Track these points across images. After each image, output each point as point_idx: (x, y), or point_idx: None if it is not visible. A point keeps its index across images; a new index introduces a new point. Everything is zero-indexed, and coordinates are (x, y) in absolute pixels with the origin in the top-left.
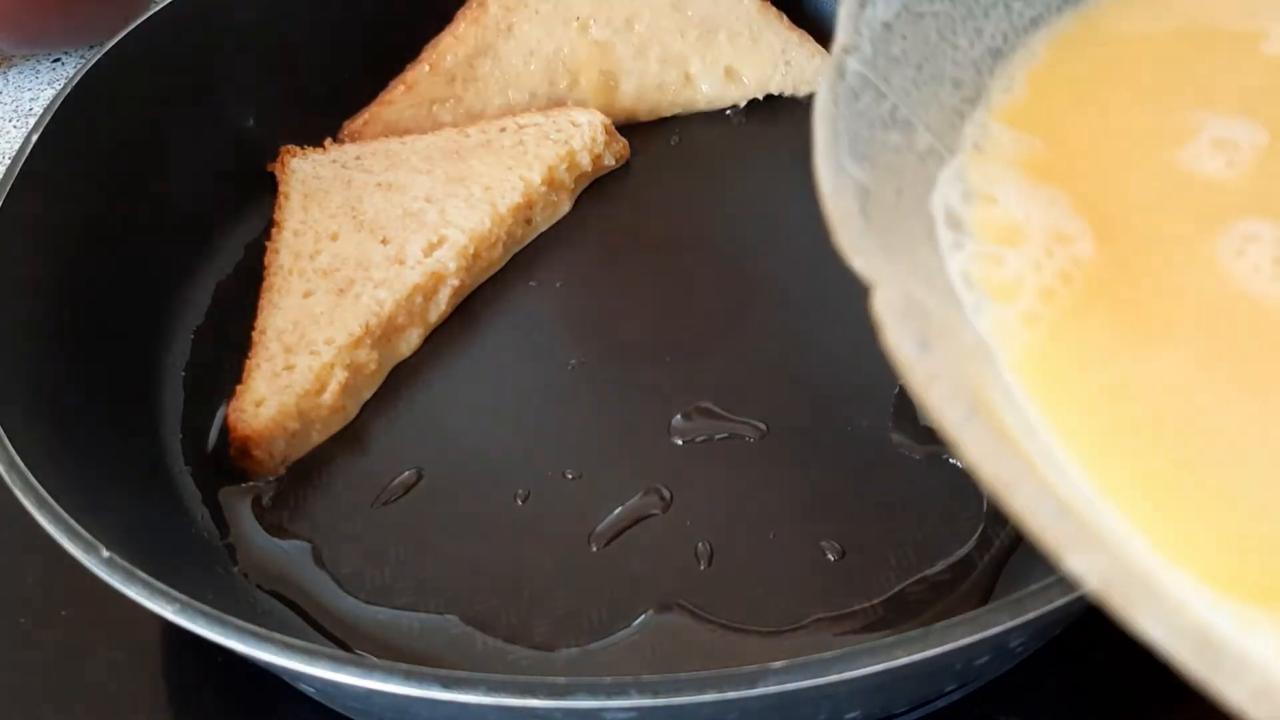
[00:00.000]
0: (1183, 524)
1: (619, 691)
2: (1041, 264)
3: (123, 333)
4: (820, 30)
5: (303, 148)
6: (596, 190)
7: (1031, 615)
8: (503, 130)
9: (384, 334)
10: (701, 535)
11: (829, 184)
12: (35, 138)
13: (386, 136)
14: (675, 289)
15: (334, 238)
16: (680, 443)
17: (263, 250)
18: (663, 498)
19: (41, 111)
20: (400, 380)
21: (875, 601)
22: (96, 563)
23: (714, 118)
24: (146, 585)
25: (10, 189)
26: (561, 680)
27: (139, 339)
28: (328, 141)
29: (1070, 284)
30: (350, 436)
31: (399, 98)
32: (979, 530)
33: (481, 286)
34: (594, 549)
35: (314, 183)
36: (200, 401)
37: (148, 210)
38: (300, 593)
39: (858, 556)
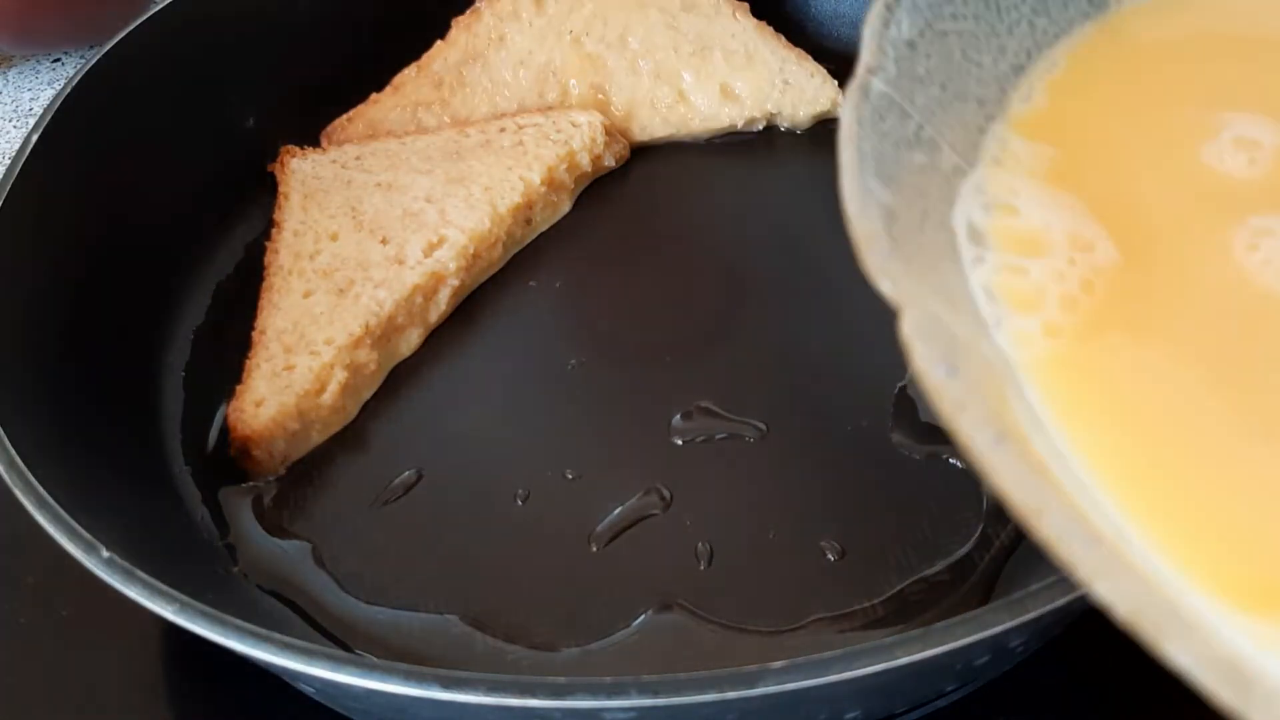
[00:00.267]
0: (1210, 543)
1: (619, 691)
2: (1063, 273)
3: (123, 333)
4: (819, 52)
5: (302, 148)
6: (596, 190)
7: (1031, 615)
8: (503, 130)
9: (384, 334)
10: (701, 535)
11: (855, 206)
12: (35, 138)
13: (368, 137)
14: (675, 289)
15: (334, 238)
16: (680, 443)
17: (263, 250)
18: (663, 498)
19: (41, 111)
20: (400, 380)
21: (875, 601)
22: (96, 563)
23: None
24: (146, 585)
25: (10, 189)
26: (561, 680)
27: (139, 339)
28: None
29: (1092, 292)
30: (350, 436)
31: (384, 98)
32: (979, 530)
33: (481, 286)
34: (594, 549)
35: (314, 183)
36: (200, 401)
37: (147, 210)
38: (300, 593)
39: (858, 556)
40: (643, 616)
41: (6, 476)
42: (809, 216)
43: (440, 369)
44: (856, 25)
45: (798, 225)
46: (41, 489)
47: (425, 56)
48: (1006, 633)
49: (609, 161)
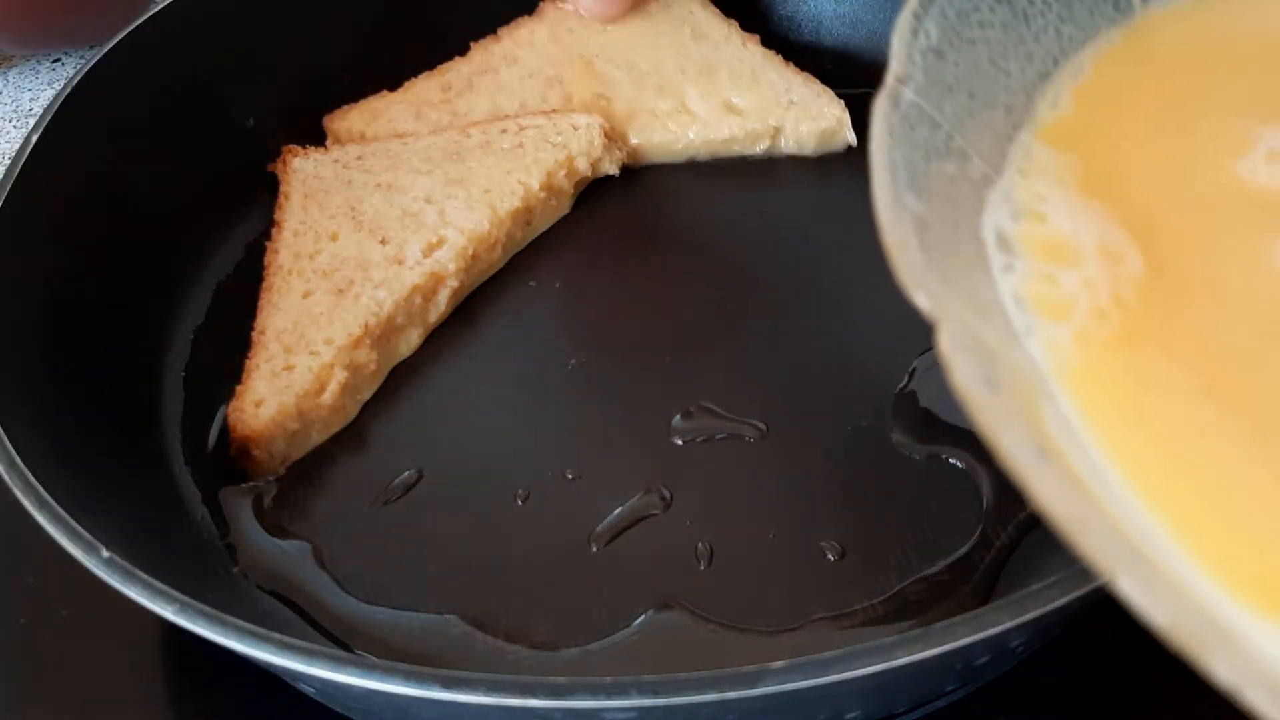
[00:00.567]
0: (1251, 558)
1: (619, 691)
2: (1094, 281)
3: (123, 333)
4: (824, 76)
5: (304, 147)
6: (596, 191)
7: (1031, 615)
8: (503, 131)
9: (383, 334)
10: (701, 535)
11: (889, 217)
12: (35, 138)
13: (369, 124)
14: (675, 289)
15: (334, 238)
16: (680, 443)
17: (263, 250)
18: (663, 498)
19: (41, 111)
20: (400, 380)
21: (875, 601)
22: (96, 563)
23: None
24: (146, 585)
25: (10, 189)
26: (561, 680)
27: (139, 339)
28: (329, 141)
29: (1123, 301)
30: (350, 436)
31: (391, 94)
32: (979, 530)
33: (481, 287)
34: (594, 549)
35: (315, 182)
36: (200, 401)
37: (147, 210)
38: (300, 593)
39: (858, 556)
40: (643, 616)
41: (6, 476)
42: (809, 216)
43: (440, 369)
44: (867, 60)
45: (798, 225)
46: (41, 489)
47: (440, 68)
48: (1006, 633)
49: (609, 167)
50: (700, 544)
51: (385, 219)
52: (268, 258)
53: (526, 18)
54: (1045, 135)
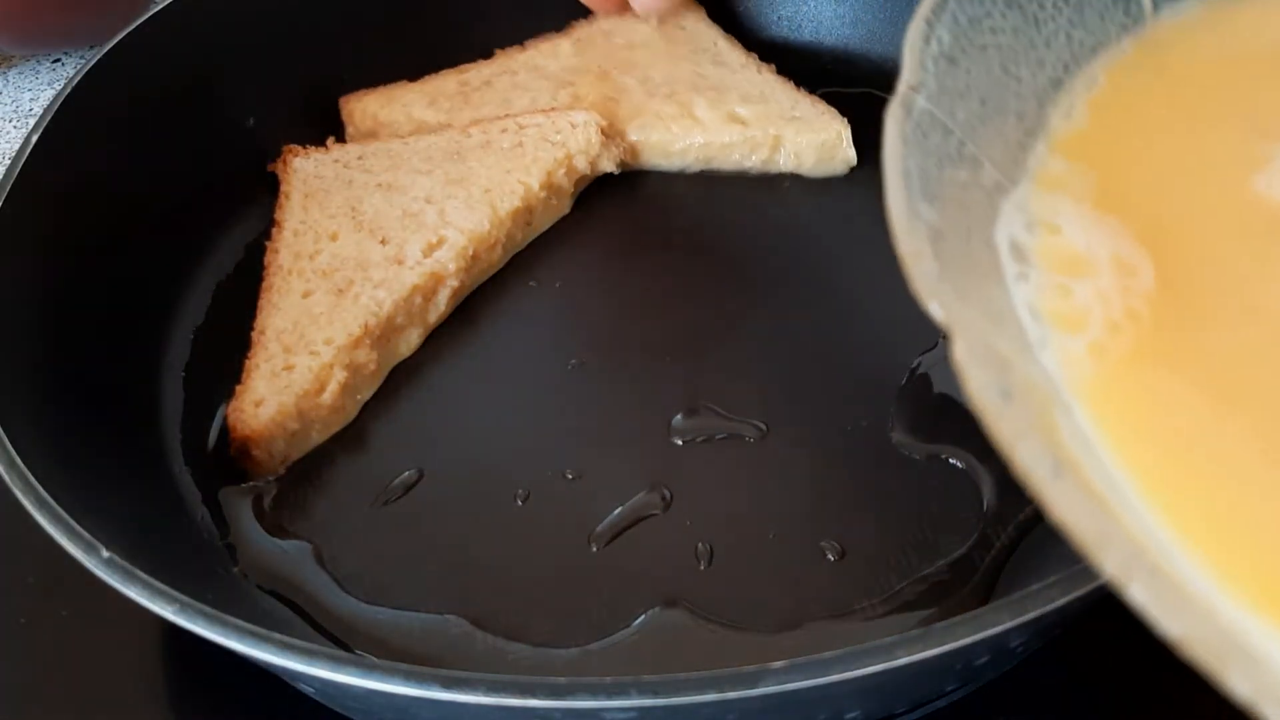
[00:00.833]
0: (1263, 566)
1: (619, 691)
2: (1108, 294)
3: (123, 333)
4: (824, 77)
5: (305, 147)
6: (596, 190)
7: (1031, 615)
8: (503, 131)
9: (383, 334)
10: (701, 535)
11: (903, 226)
12: (35, 138)
13: (382, 115)
14: (675, 289)
15: (334, 238)
16: (680, 443)
17: (263, 250)
18: (663, 498)
19: (41, 111)
20: (400, 380)
21: (875, 601)
22: (96, 563)
23: None
24: (146, 585)
25: (10, 189)
26: (561, 680)
27: (139, 339)
28: (331, 140)
29: (1137, 315)
30: (350, 436)
31: (410, 83)
32: (979, 530)
33: (481, 287)
34: (594, 549)
35: (315, 182)
36: (200, 401)
37: (147, 210)
38: (300, 593)
39: (858, 556)
40: (643, 616)
41: (6, 476)
42: (810, 216)
43: (440, 369)
44: (867, 60)
45: (799, 225)
46: (41, 489)
47: (462, 66)
48: (1006, 633)
49: (607, 165)
50: (700, 544)
51: (385, 219)
52: (268, 257)
53: (555, 34)
54: (1061, 146)
